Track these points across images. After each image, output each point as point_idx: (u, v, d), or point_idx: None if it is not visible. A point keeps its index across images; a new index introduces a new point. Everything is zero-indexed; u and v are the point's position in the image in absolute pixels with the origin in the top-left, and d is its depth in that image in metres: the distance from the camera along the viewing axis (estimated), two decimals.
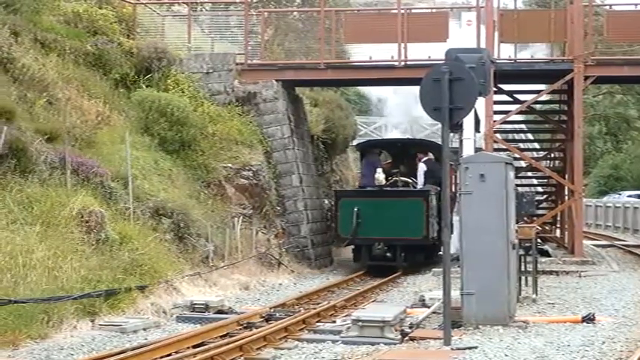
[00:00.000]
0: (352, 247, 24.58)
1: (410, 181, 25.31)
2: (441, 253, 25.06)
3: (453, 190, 22.60)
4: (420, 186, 25.04)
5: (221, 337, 13.52)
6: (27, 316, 13.29)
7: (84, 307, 14.49)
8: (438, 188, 23.16)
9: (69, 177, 17.36)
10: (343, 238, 24.06)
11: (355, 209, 23.31)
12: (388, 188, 24.50)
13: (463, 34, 25.18)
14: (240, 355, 12.25)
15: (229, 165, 23.23)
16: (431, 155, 25.19)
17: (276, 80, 25.66)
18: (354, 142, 33.35)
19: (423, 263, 23.81)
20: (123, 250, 16.51)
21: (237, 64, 25.73)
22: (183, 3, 29.98)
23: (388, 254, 23.12)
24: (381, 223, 23.12)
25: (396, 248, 23.13)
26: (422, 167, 25.17)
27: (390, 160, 27.76)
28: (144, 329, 14.35)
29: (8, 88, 18.52)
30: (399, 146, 28.21)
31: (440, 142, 22.81)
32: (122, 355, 11.58)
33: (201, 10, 31.24)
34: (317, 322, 14.74)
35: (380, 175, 24.14)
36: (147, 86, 23.50)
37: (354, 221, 23.25)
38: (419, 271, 22.89)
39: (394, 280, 21.63)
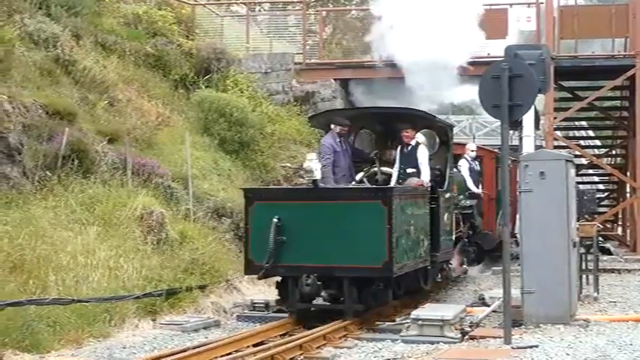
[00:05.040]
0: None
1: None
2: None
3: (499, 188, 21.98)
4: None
5: (281, 335, 13.55)
6: (89, 316, 13.48)
7: (145, 306, 14.65)
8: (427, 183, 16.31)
9: (130, 177, 17.57)
10: (256, 266, 14.56)
11: (275, 220, 14.28)
12: (327, 186, 15.53)
13: None
14: (301, 354, 12.27)
15: (288, 164, 23.29)
16: (422, 137, 16.89)
17: (335, 79, 25.72)
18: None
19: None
20: (183, 249, 16.62)
21: (295, 63, 25.84)
22: (242, 3, 30.20)
23: (323, 293, 14.37)
24: (316, 243, 14.23)
25: (342, 282, 14.22)
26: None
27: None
28: (204, 328, 14.46)
29: (70, 90, 18.81)
30: (385, 120, 17.84)
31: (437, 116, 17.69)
32: (183, 354, 11.65)
33: (260, 11, 31.44)
34: (376, 321, 14.73)
35: (312, 164, 14.47)
36: (206, 87, 23.70)
37: (271, 239, 14.23)
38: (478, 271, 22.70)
39: (454, 278, 20.10)
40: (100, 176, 17.15)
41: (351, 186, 15.96)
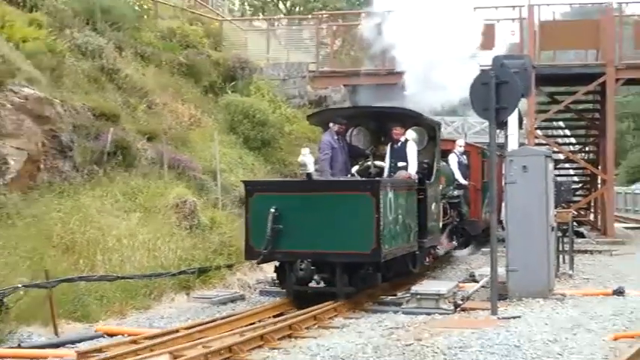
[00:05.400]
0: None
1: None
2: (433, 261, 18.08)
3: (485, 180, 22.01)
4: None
5: (297, 308, 13.65)
6: (132, 290, 13.67)
7: (180, 282, 14.81)
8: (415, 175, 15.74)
9: (166, 171, 17.70)
10: (256, 252, 13.92)
11: (272, 210, 13.68)
12: (321, 178, 15.12)
13: None
14: (314, 324, 12.39)
15: None
16: (413, 134, 16.48)
17: (344, 85, 25.81)
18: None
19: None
20: (213, 233, 16.72)
21: (309, 71, 25.94)
22: (263, 19, 30.27)
23: (316, 277, 14.12)
24: (310, 231, 13.62)
25: (334, 267, 13.68)
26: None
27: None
28: (231, 301, 14.59)
29: (114, 95, 18.94)
30: (377, 119, 17.09)
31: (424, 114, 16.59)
32: (213, 323, 11.80)
33: (278, 25, 31.52)
34: (380, 295, 14.83)
35: (306, 158, 13.91)
36: (232, 92, 23.79)
37: (269, 227, 13.64)
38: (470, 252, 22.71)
39: (448, 260, 20.36)
40: (140, 170, 17.29)
41: (342, 178, 15.37)
